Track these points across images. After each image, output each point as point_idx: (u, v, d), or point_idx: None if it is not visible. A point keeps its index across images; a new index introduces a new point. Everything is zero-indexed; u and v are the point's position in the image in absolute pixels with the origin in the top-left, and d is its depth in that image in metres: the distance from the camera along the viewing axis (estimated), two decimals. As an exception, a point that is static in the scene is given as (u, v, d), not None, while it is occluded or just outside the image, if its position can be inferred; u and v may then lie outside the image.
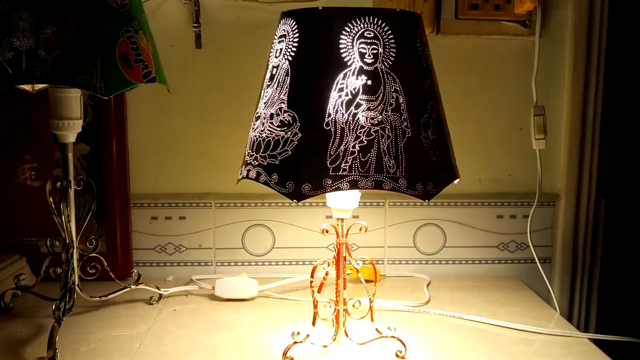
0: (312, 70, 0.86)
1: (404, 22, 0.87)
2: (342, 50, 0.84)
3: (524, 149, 1.37)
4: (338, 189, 0.84)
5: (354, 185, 0.84)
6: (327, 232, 0.97)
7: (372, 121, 0.84)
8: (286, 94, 0.86)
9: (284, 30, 0.89)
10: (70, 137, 1.05)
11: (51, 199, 1.05)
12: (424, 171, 0.87)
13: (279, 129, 0.86)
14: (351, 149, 0.84)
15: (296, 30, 0.87)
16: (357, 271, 1.00)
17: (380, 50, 0.85)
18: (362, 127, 0.84)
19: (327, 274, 0.98)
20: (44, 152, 1.31)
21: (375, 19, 0.85)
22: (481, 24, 1.33)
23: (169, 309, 1.19)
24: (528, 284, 1.36)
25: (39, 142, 1.30)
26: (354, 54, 0.84)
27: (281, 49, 0.89)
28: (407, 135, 0.85)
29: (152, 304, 1.21)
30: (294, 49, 0.87)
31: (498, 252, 1.41)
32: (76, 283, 1.08)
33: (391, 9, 0.89)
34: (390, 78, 0.85)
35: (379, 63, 0.85)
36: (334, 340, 0.99)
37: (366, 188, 0.84)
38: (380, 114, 0.84)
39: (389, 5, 1.27)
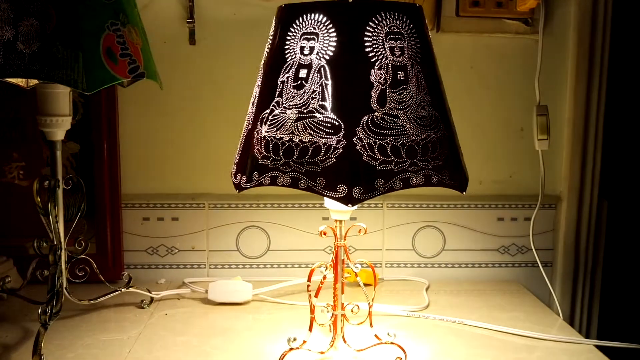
0: None
1: (283, 15, 0.86)
2: None
3: (526, 150, 1.35)
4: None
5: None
6: (325, 234, 0.94)
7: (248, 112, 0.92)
8: None
9: None
10: (59, 134, 1.02)
11: (39, 199, 1.02)
12: (245, 164, 0.87)
13: None
14: None
15: None
16: (356, 275, 0.96)
17: (268, 46, 0.89)
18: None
19: (324, 277, 0.95)
20: (33, 150, 1.27)
21: (276, 20, 0.88)
22: (483, 21, 1.30)
23: (161, 313, 1.16)
24: (529, 288, 1.33)
25: (27, 140, 1.27)
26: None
27: None
28: (248, 129, 0.89)
29: (143, 308, 1.17)
30: None
31: (499, 255, 1.39)
32: (64, 286, 1.05)
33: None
34: (259, 73, 0.89)
35: (262, 59, 0.90)
36: (332, 346, 0.95)
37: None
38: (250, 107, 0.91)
39: None
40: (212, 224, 1.34)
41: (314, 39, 0.82)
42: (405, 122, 0.82)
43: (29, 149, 1.27)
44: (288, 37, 0.85)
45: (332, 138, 0.80)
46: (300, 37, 0.83)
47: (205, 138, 1.32)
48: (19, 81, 1.08)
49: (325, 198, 0.92)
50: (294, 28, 0.84)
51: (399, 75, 0.83)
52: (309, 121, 0.81)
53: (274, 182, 0.83)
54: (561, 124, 1.35)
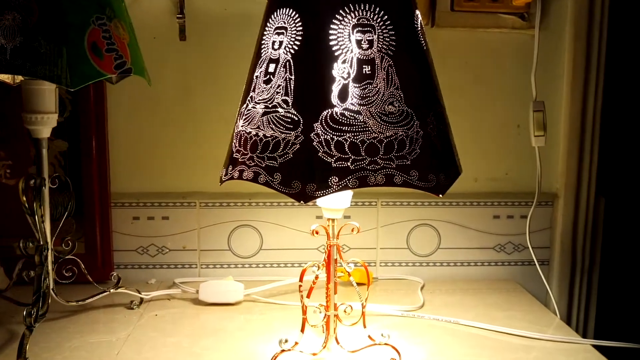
0: None
1: (265, 10, 0.86)
2: None
3: (522, 147, 1.33)
4: None
5: None
6: (317, 233, 0.92)
7: None
8: None
9: None
10: (44, 132, 1.00)
11: (24, 198, 0.99)
12: (226, 158, 0.88)
13: None
14: None
15: None
16: (349, 274, 0.94)
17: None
18: None
19: (317, 277, 0.93)
20: (20, 148, 1.24)
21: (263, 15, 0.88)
22: (478, 16, 1.28)
23: (150, 313, 1.13)
24: (525, 287, 1.31)
25: (14, 138, 1.24)
26: None
27: None
28: (234, 124, 0.89)
29: (132, 309, 1.15)
30: None
31: (494, 253, 1.37)
32: (51, 287, 1.03)
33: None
34: None
35: None
36: (324, 347, 0.93)
37: None
38: None
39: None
40: (203, 223, 1.32)
41: (283, 34, 0.81)
42: (368, 118, 0.78)
43: (15, 147, 1.24)
44: (265, 32, 0.84)
45: (290, 133, 0.79)
46: (273, 32, 0.82)
47: (196, 135, 1.30)
48: (5, 77, 1.06)
49: (317, 196, 0.91)
50: (270, 23, 0.83)
51: (364, 69, 0.79)
52: (272, 116, 0.80)
53: (240, 175, 0.82)
54: (558, 120, 1.33)
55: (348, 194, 0.90)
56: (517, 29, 1.30)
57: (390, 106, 0.79)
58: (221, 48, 1.28)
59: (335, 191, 0.77)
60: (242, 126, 0.84)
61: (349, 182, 0.78)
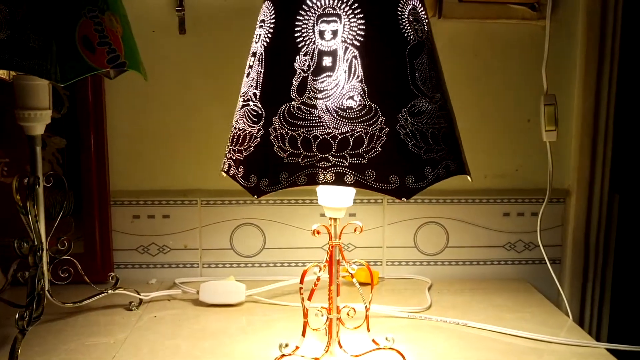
0: None
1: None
2: None
3: (533, 142, 1.29)
4: None
5: None
6: (318, 233, 0.88)
7: None
8: None
9: None
10: (38, 129, 0.97)
11: (18, 197, 0.96)
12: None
13: None
14: None
15: None
16: (352, 276, 0.91)
17: None
18: None
19: (318, 279, 0.89)
20: (17, 146, 1.22)
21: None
22: (487, 7, 1.24)
23: (150, 315, 1.11)
24: (536, 286, 1.28)
25: (10, 136, 1.22)
26: None
27: None
28: None
29: (131, 310, 1.13)
30: None
31: (504, 252, 1.33)
32: (46, 288, 1.00)
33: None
34: None
35: None
36: (327, 352, 0.90)
37: None
38: None
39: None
40: (205, 221, 1.29)
41: (262, 27, 0.81)
42: (323, 113, 0.75)
43: (12, 144, 1.22)
44: (255, 27, 0.83)
45: (254, 127, 0.79)
46: (257, 25, 0.82)
47: (197, 131, 1.27)
48: (1, 73, 1.03)
49: (319, 195, 0.88)
50: (259, 16, 0.82)
51: (324, 62, 0.76)
52: (245, 109, 0.81)
53: (222, 167, 0.85)
54: (570, 114, 1.29)
55: (350, 193, 0.87)
56: (527, 19, 1.25)
57: (349, 100, 0.75)
58: (222, 41, 1.25)
59: (285, 187, 0.76)
60: (234, 123, 0.85)
61: (298, 179, 0.76)
